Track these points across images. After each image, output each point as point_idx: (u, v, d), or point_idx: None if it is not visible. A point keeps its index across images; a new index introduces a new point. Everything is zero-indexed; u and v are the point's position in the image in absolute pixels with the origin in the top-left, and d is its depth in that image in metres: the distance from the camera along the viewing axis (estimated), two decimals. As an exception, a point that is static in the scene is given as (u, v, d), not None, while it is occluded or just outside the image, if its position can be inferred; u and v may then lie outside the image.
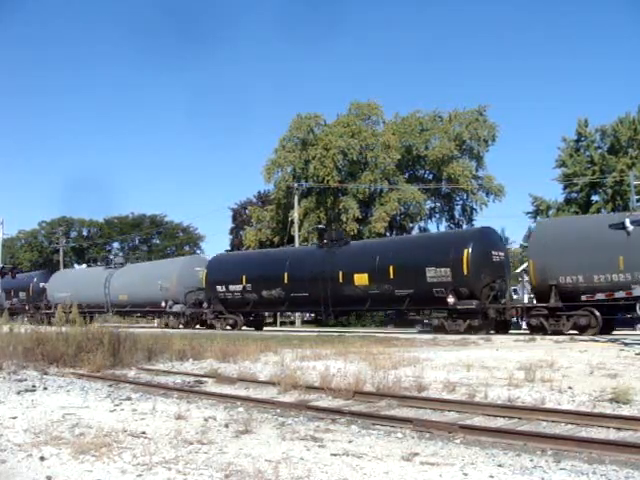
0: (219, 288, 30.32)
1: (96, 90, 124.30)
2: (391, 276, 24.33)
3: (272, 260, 30.37)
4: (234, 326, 29.93)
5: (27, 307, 41.39)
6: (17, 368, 12.64)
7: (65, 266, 64.03)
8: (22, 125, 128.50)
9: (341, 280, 25.86)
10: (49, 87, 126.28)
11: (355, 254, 26.80)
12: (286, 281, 27.80)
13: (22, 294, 43.89)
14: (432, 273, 23.16)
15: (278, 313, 43.63)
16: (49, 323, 33.64)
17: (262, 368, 12.16)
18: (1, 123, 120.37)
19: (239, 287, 29.68)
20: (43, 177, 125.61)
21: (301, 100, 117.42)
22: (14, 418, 7.24)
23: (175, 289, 33.19)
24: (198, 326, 31.97)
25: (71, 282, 40.48)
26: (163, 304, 33.37)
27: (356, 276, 25.39)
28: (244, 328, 29.88)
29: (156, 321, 37.89)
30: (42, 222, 79.53)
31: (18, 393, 9.40)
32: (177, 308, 32.86)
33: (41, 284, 42.53)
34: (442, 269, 23.00)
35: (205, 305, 31.50)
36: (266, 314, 30.91)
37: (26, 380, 11.07)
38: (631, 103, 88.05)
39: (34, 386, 10.20)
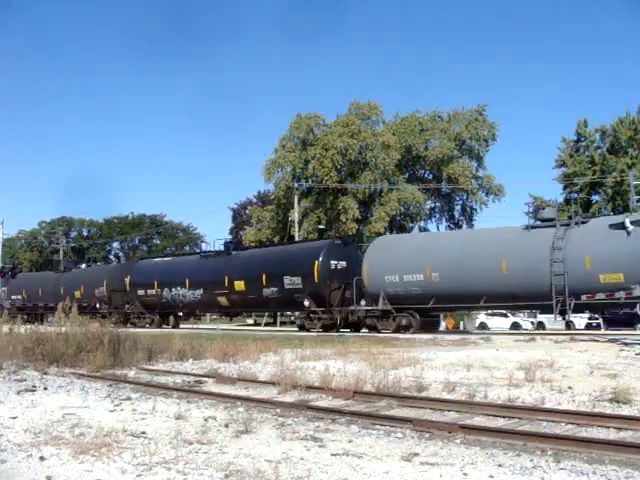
0: None
1: (96, 91, 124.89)
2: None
3: None
4: None
5: (307, 303, 25.80)
6: (17, 368, 12.61)
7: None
8: (22, 125, 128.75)
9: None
10: (49, 88, 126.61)
11: None
12: None
13: (291, 280, 26.54)
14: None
15: (278, 313, 42.77)
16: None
17: (262, 368, 12.15)
18: (1, 123, 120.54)
19: None
20: (43, 177, 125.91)
21: (301, 100, 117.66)
22: (14, 418, 7.23)
23: None
24: None
25: (421, 255, 22.58)
26: None
27: None
28: None
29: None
30: (42, 222, 79.68)
31: (18, 393, 9.39)
32: None
33: (333, 262, 25.73)
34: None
35: None
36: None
37: (26, 380, 11.05)
38: (631, 103, 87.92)
39: (34, 386, 10.18)
